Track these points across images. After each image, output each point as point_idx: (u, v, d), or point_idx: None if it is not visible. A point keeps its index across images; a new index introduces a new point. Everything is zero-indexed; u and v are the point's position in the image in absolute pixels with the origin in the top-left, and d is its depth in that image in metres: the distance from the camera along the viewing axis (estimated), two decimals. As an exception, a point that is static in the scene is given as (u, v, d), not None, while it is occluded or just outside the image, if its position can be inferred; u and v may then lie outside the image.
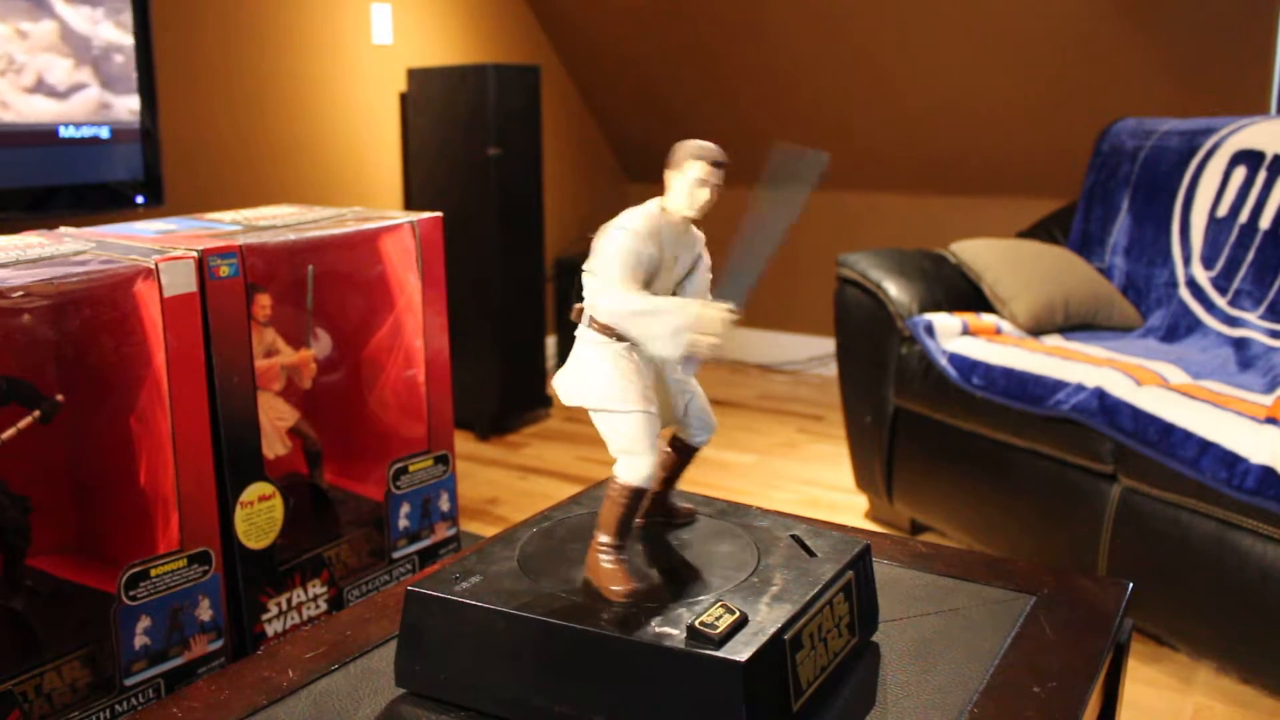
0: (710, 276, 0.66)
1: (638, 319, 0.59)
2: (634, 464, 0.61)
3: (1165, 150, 2.60)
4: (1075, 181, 3.03)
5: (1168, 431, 1.82)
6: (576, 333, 0.64)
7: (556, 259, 4.00)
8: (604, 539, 0.63)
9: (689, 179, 0.60)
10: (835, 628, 0.64)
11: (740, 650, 0.56)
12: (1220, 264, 2.39)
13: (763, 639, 0.57)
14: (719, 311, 0.59)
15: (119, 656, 0.71)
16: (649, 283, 0.62)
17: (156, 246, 0.74)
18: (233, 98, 2.88)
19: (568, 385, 0.64)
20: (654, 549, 0.69)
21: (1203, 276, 2.42)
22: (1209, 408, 1.82)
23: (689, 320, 0.58)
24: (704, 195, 0.60)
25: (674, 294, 0.65)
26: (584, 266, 0.62)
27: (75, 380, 0.70)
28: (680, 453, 0.71)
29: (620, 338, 0.62)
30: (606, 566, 0.62)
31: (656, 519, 0.73)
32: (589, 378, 0.62)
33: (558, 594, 0.62)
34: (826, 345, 3.95)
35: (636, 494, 0.62)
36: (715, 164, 0.60)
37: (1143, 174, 2.62)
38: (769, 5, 3.49)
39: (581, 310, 0.64)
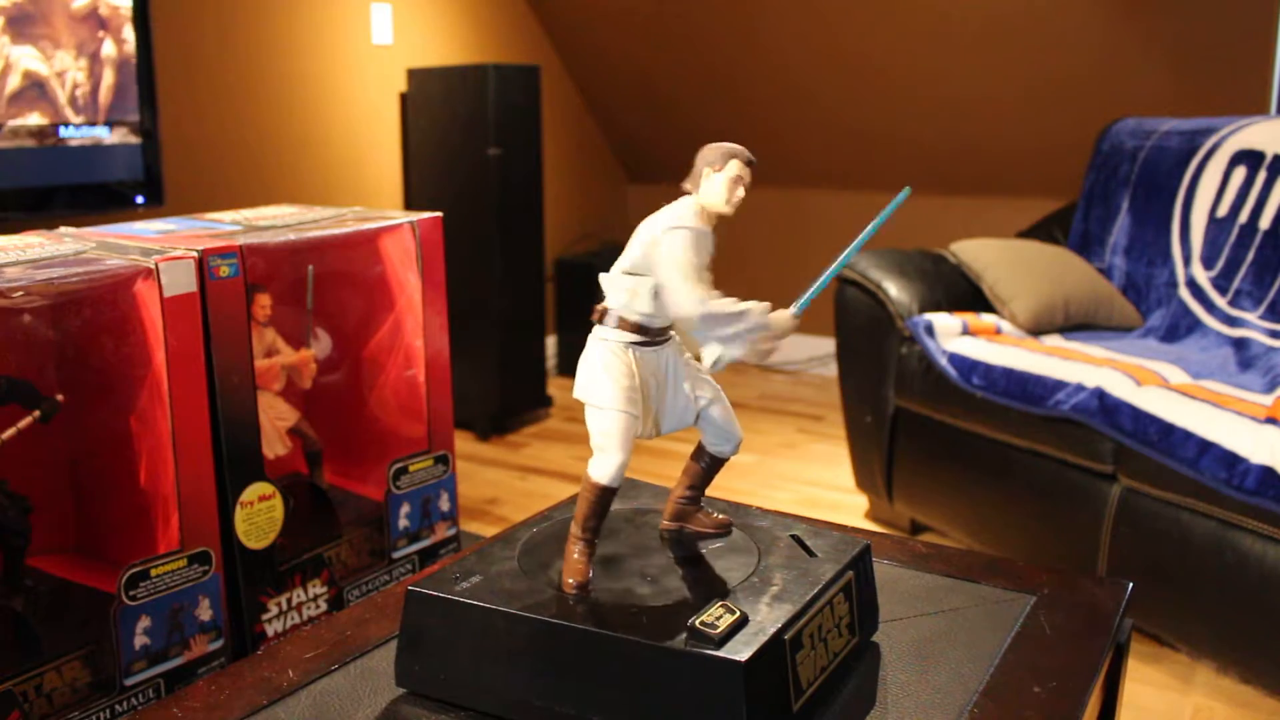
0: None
1: (714, 321, 0.61)
2: (603, 462, 0.62)
3: (1165, 150, 2.60)
4: (1075, 181, 3.03)
5: (1168, 431, 1.82)
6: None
7: (556, 259, 4.00)
8: (573, 530, 0.64)
9: (728, 177, 0.62)
10: (835, 628, 0.64)
11: (740, 650, 0.56)
12: (1220, 264, 2.39)
13: (763, 639, 0.57)
14: (788, 318, 0.62)
15: (119, 656, 0.71)
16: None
17: (156, 246, 0.74)
18: (233, 98, 2.88)
19: (577, 378, 0.65)
20: (656, 550, 0.69)
21: (1203, 276, 2.42)
22: (1209, 408, 1.82)
23: (762, 324, 0.61)
24: (741, 193, 0.62)
25: None
26: (624, 267, 0.63)
27: (75, 380, 0.70)
28: (705, 463, 0.71)
29: (635, 334, 0.63)
30: (571, 557, 0.64)
31: (684, 527, 0.72)
32: (584, 373, 0.64)
33: (558, 594, 0.62)
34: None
35: (603, 491, 0.63)
36: (749, 163, 0.63)
37: (1143, 174, 2.62)
38: (769, 6, 3.49)
39: (604, 311, 0.64)
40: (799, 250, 4.01)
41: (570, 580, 0.63)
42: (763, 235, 4.04)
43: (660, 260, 0.61)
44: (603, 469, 0.62)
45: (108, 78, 2.20)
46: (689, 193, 0.63)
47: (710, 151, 0.63)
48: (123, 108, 2.26)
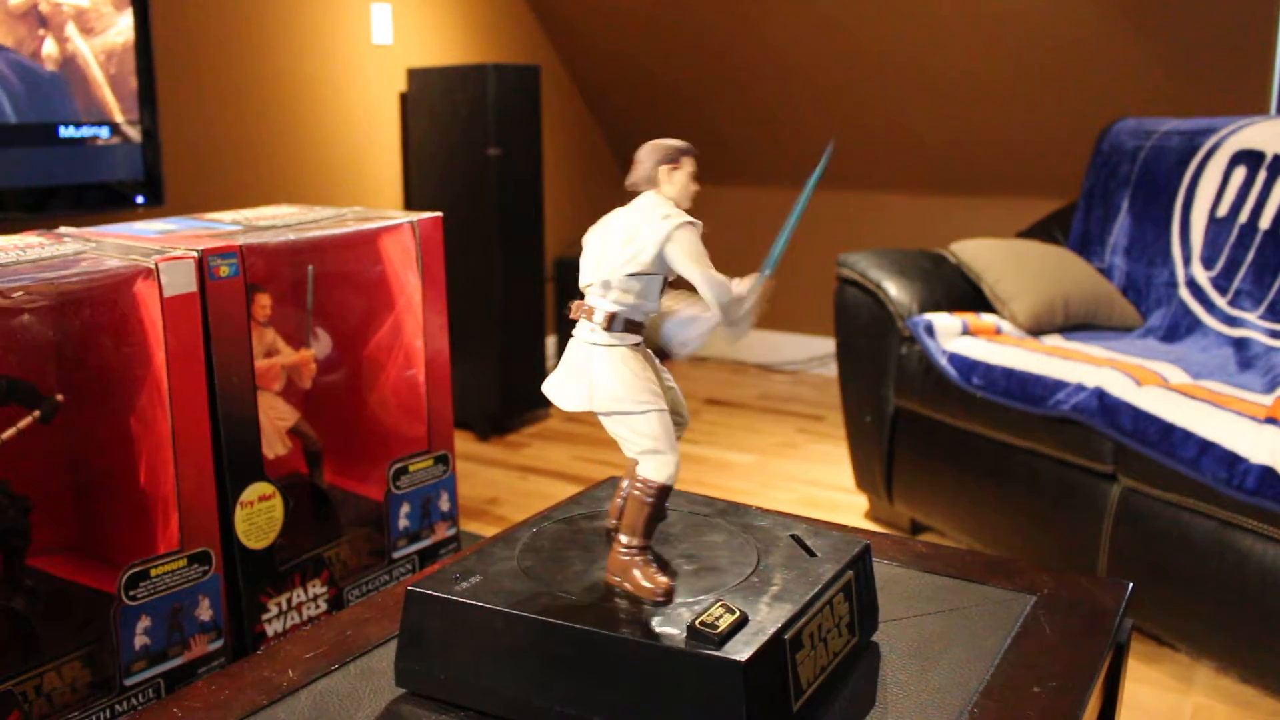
0: None
1: (734, 304, 0.63)
2: (661, 462, 0.61)
3: (1165, 150, 2.60)
4: (1075, 181, 3.03)
5: (1168, 431, 1.82)
6: (575, 333, 0.63)
7: (556, 259, 4.00)
8: (634, 541, 0.63)
9: (686, 174, 0.63)
10: (835, 628, 0.64)
11: (740, 650, 0.56)
12: (1220, 264, 2.39)
13: (763, 639, 0.57)
14: (766, 282, 0.65)
15: (119, 656, 0.71)
16: None
17: (156, 246, 0.74)
18: (233, 98, 2.88)
19: (570, 389, 0.63)
20: (653, 549, 0.69)
21: (1203, 276, 2.42)
22: (1209, 408, 1.82)
23: (758, 296, 0.64)
24: (695, 188, 0.64)
25: None
26: (631, 270, 0.63)
27: (75, 380, 0.70)
28: None
29: (637, 334, 0.62)
30: (642, 568, 0.62)
31: None
32: (599, 380, 0.62)
33: (558, 594, 0.62)
34: (826, 345, 3.95)
35: (665, 492, 0.62)
36: (696, 157, 0.64)
37: (1143, 174, 2.62)
38: (769, 6, 3.49)
39: (581, 307, 0.63)
40: (801, 248, 4.00)
41: (651, 586, 0.61)
42: (764, 234, 4.04)
43: (680, 256, 0.61)
44: (664, 469, 0.61)
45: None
46: (639, 190, 0.63)
47: (659, 151, 0.63)
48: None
